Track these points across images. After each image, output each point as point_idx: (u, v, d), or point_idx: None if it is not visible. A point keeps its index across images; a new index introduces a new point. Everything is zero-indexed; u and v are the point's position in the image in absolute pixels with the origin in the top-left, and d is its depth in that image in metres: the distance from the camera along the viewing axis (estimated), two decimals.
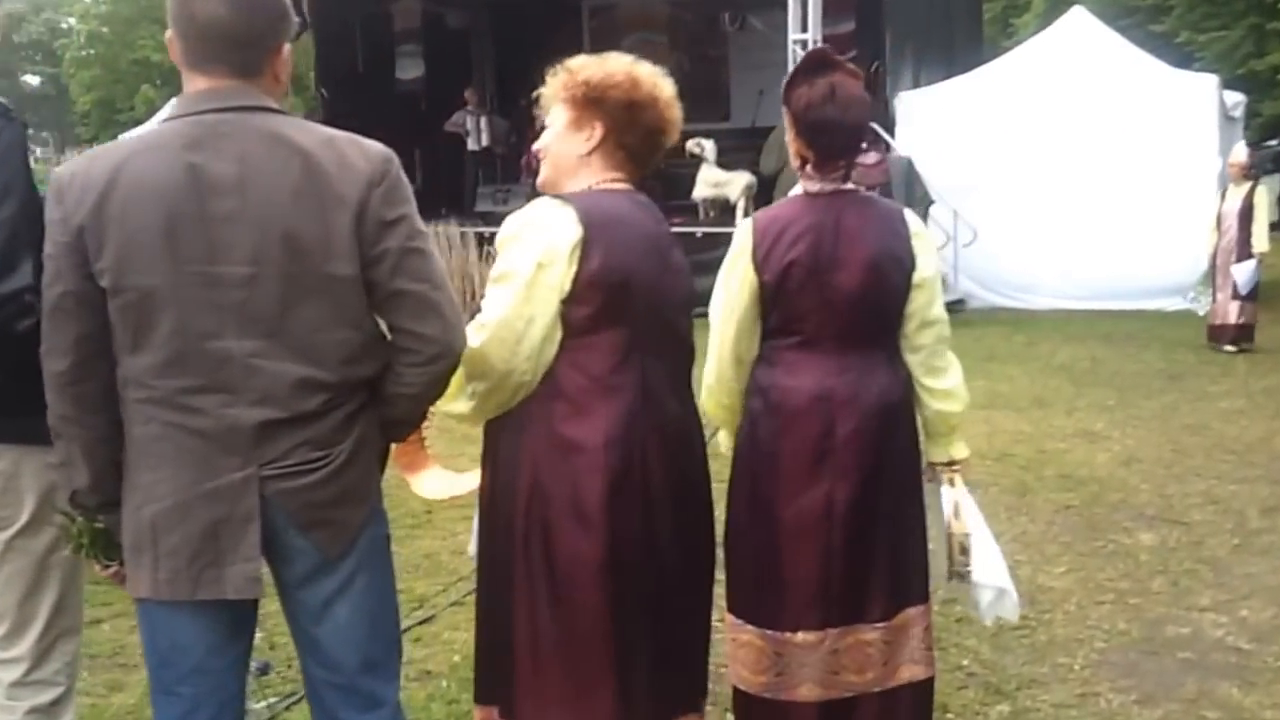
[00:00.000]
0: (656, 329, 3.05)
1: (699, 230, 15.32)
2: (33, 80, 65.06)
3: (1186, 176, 14.70)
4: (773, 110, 14.51)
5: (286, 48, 2.61)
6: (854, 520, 3.30)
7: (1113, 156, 15.03)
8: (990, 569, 3.55)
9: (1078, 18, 16.92)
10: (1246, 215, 11.95)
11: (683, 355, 3.19)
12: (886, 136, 16.07)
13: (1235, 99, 17.49)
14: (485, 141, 19.13)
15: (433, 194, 19.06)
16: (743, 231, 3.38)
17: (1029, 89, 15.80)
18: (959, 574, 3.54)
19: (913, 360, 3.43)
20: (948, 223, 15.59)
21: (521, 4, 19.52)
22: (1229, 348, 11.87)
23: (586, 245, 2.92)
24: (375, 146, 2.58)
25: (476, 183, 19.00)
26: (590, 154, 3.11)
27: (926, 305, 3.39)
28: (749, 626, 3.38)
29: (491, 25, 21.55)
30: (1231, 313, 12.04)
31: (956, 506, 3.55)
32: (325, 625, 2.64)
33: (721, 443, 3.57)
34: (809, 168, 3.34)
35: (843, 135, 3.30)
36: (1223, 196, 12.34)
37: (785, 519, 3.32)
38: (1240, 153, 12.36)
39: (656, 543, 3.04)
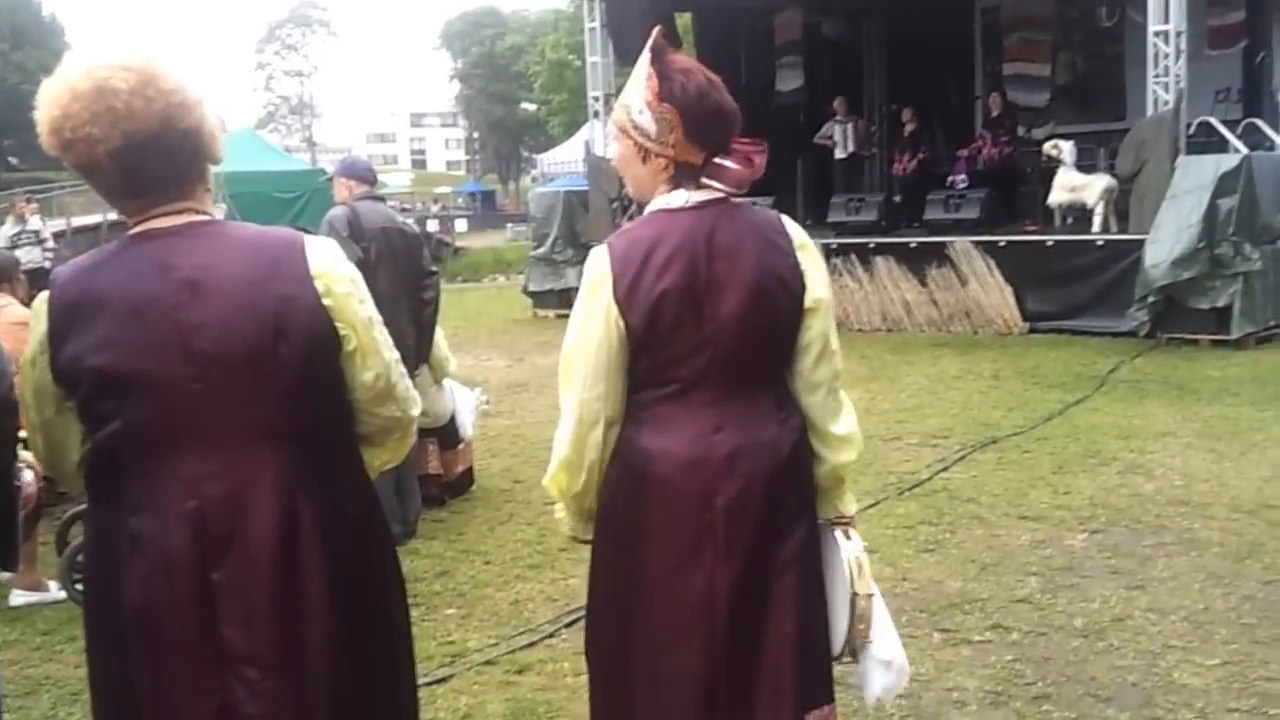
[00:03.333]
0: None
1: (1050, 239, 14.31)
2: (530, 107, 70.86)
3: None
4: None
5: None
6: (743, 608, 2.70)
7: None
8: (888, 638, 2.94)
9: None
10: None
11: None
12: (1271, 133, 14.40)
13: None
14: (851, 149, 18.62)
15: (805, 206, 18.87)
16: (597, 262, 2.76)
17: None
18: (854, 649, 2.91)
19: (810, 402, 2.81)
20: None
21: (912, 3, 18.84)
22: None
23: None
24: None
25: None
26: None
27: (824, 333, 2.79)
28: None
29: (881, 31, 20.95)
30: None
31: (859, 564, 2.89)
32: None
33: (564, 525, 2.97)
34: (697, 173, 2.77)
35: (732, 122, 2.77)
36: None
37: (658, 612, 2.73)
38: None
39: None
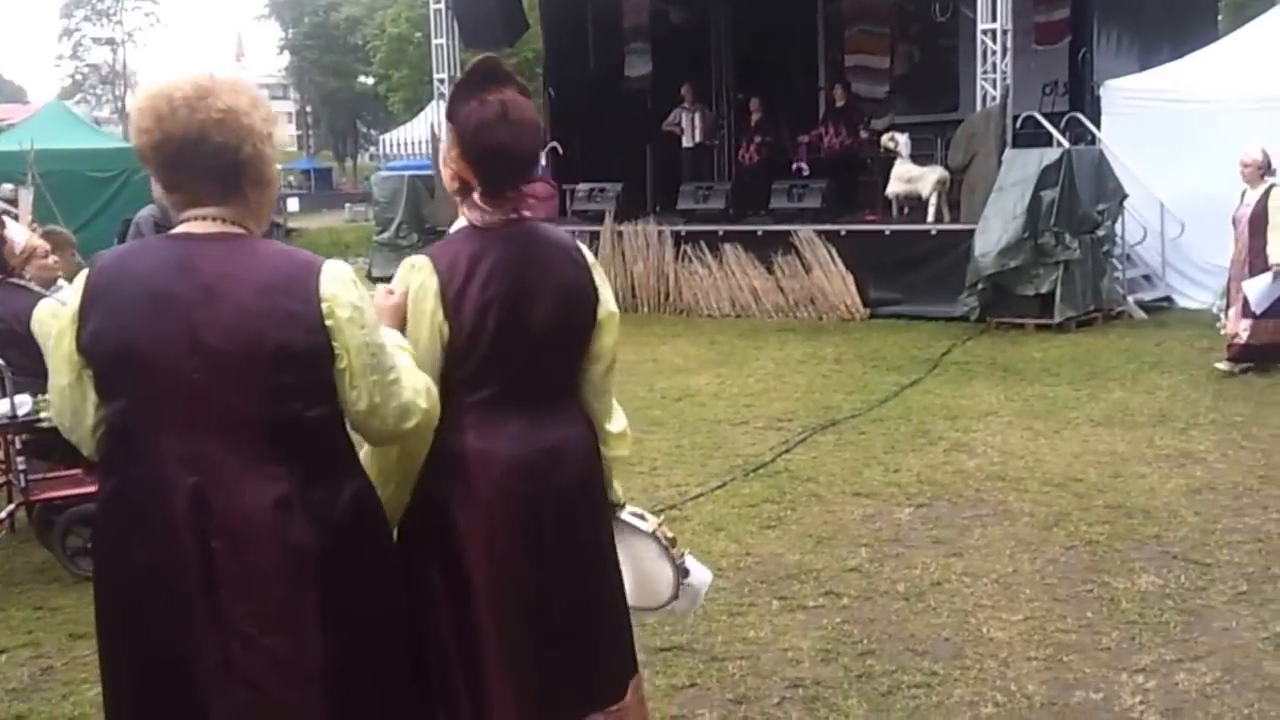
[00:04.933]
0: None
1: (888, 228, 15.03)
2: (367, 81, 69.07)
3: None
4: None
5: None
6: (571, 596, 3.01)
7: None
8: (700, 568, 3.42)
9: None
10: (1260, 222, 10.34)
11: None
12: (1092, 128, 15.32)
13: None
14: (698, 137, 19.10)
15: (652, 192, 19.38)
16: (420, 271, 2.95)
17: (1248, 73, 14.68)
18: (683, 571, 3.37)
19: (596, 405, 3.16)
20: (1151, 217, 14.72)
21: None
22: (1224, 365, 10.61)
23: None
24: None
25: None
26: None
27: (613, 344, 3.14)
28: None
29: (727, 18, 21.47)
30: (1243, 331, 10.47)
31: (665, 534, 3.36)
32: None
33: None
34: (475, 196, 2.99)
35: (514, 164, 2.96)
36: (1242, 198, 10.73)
37: (487, 609, 2.92)
38: (1254, 150, 10.60)
39: None
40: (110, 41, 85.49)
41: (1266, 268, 10.30)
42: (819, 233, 15.08)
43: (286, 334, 2.57)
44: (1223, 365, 10.58)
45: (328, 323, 2.59)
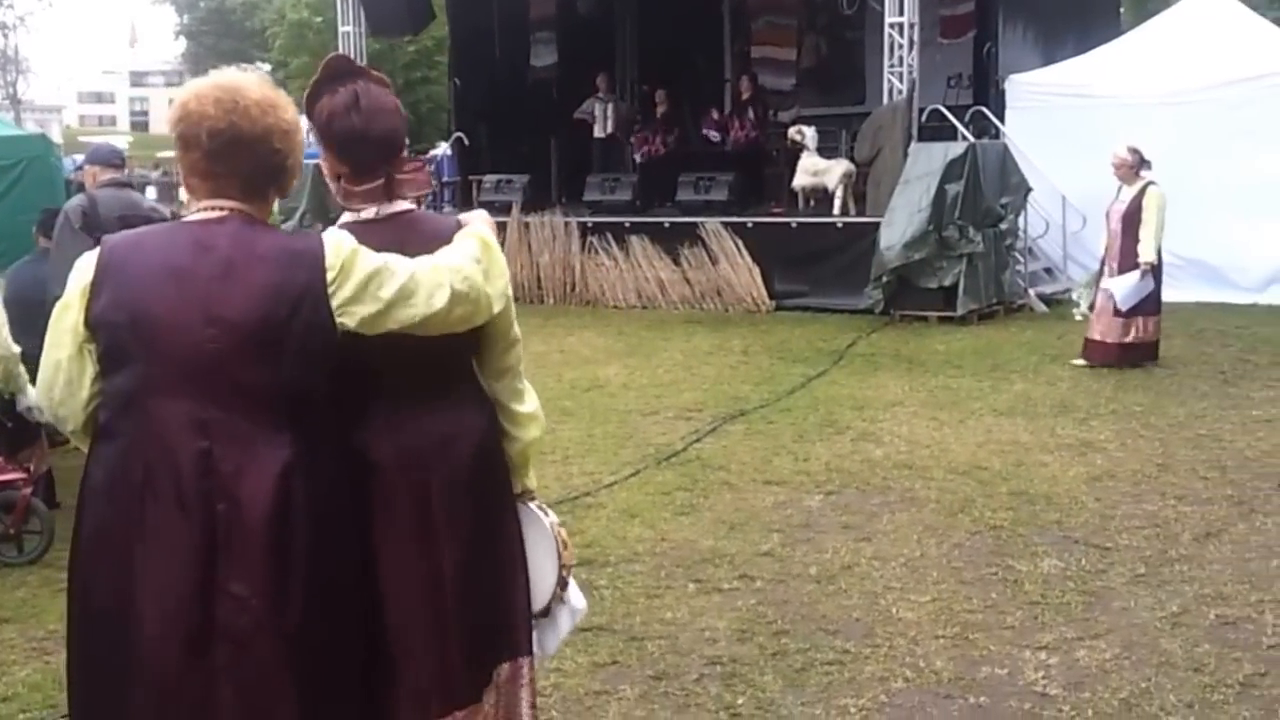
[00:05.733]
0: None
1: (794, 221, 15.22)
2: (265, 68, 67.98)
3: None
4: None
5: None
6: (468, 581, 3.06)
7: (1230, 137, 14.25)
8: (574, 589, 3.43)
9: None
10: (1133, 220, 10.48)
11: None
12: (996, 122, 15.62)
13: None
14: (610, 128, 19.15)
15: (558, 184, 19.40)
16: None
17: (1148, 69, 15.11)
18: (550, 608, 3.35)
19: (499, 386, 3.19)
20: (1054, 210, 15.05)
21: None
22: (1080, 361, 10.78)
23: None
24: None
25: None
26: None
27: (509, 326, 3.15)
28: None
29: (633, 9, 21.53)
30: (1115, 329, 10.62)
31: (563, 537, 3.35)
32: None
33: None
34: (345, 184, 3.06)
35: (370, 145, 3.01)
36: (1117, 194, 10.87)
37: (393, 596, 2.99)
38: (1122, 150, 10.73)
39: None
40: (1, 26, 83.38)
41: (1136, 266, 10.46)
42: (726, 225, 15.22)
43: (298, 307, 2.70)
44: (1079, 361, 10.74)
45: (333, 291, 2.73)
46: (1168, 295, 13.97)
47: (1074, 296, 12.16)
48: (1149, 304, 10.63)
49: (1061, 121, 14.69)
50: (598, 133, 19.19)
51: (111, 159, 7.06)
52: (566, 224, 16.27)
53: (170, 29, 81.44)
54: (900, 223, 13.58)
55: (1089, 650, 4.95)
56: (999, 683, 4.68)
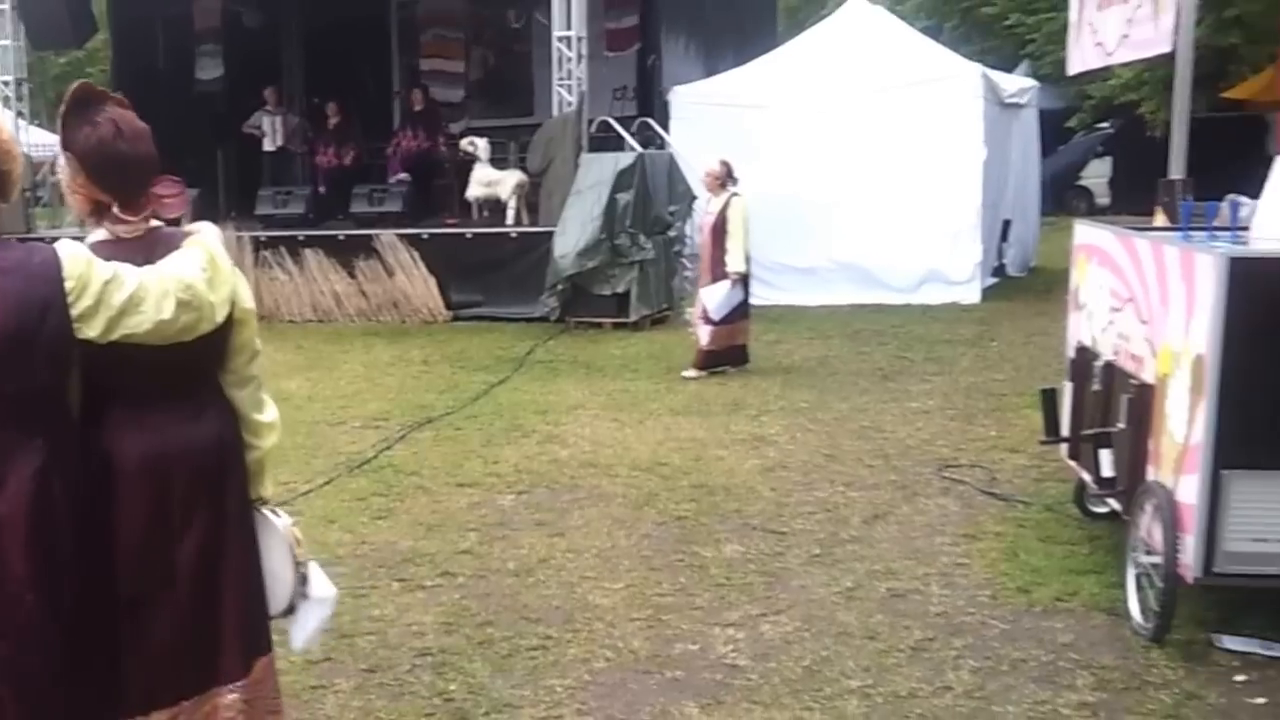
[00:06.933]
0: None
1: (469, 231, 15.37)
2: None
3: (951, 165, 15.04)
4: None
5: None
6: (202, 580, 3.16)
7: (881, 144, 15.19)
8: (319, 580, 3.54)
9: (855, 4, 17.24)
10: (720, 231, 10.86)
11: None
12: (661, 132, 16.18)
13: (1021, 85, 17.82)
14: (280, 141, 18.87)
15: (227, 197, 18.96)
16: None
17: (803, 78, 15.94)
18: (294, 605, 3.47)
19: (243, 396, 3.30)
20: None
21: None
22: (691, 372, 10.99)
23: None
24: None
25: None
26: None
27: (253, 337, 3.28)
28: None
29: (299, 22, 21.22)
30: (704, 336, 10.98)
31: (296, 537, 3.48)
32: None
33: None
34: (116, 210, 3.12)
35: (137, 170, 3.12)
36: (706, 206, 11.28)
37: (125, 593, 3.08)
38: (713, 162, 11.14)
39: None
40: None
41: (726, 275, 10.85)
42: (401, 237, 15.24)
43: (42, 317, 2.77)
44: (690, 373, 11.01)
45: (72, 301, 2.81)
46: (824, 299, 15.04)
47: (685, 316, 12.75)
48: (739, 312, 11.09)
49: (722, 131, 15.25)
50: (267, 146, 18.90)
51: None
52: (239, 238, 15.92)
53: None
54: (573, 232, 13.92)
55: (772, 625, 5.34)
56: (692, 657, 5.01)
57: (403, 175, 17.42)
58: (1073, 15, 8.47)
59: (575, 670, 4.88)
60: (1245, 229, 5.57)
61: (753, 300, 15.10)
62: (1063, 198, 26.01)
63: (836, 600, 5.62)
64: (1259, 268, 4.74)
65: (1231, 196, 6.01)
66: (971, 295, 15.37)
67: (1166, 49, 6.61)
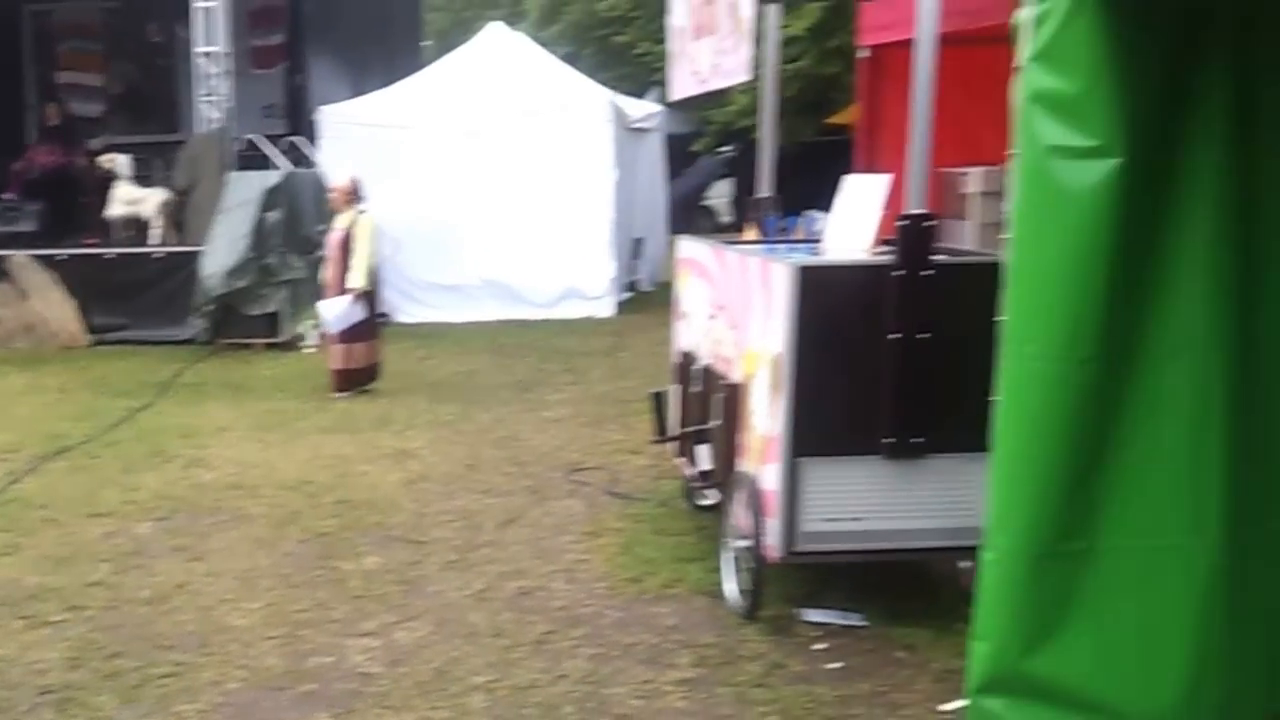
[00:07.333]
0: None
1: (112, 252, 14.90)
2: None
3: (585, 186, 15.58)
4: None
5: None
6: None
7: (521, 166, 15.60)
8: None
9: (497, 29, 17.57)
10: (345, 247, 10.93)
11: None
12: (308, 151, 16.11)
13: (647, 110, 18.54)
14: None
15: None
16: None
17: (445, 101, 16.18)
18: None
19: None
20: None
21: None
22: (338, 395, 10.95)
23: None
24: None
25: None
26: None
27: None
28: None
29: None
30: (337, 356, 11.07)
31: None
32: None
33: None
34: None
35: None
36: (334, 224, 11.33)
37: None
38: (342, 178, 11.31)
39: None
40: None
41: (348, 292, 10.89)
42: (35, 257, 14.61)
43: None
44: (337, 395, 10.96)
45: None
46: (471, 315, 15.37)
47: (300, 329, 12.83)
48: (364, 329, 11.12)
49: (370, 150, 15.26)
50: None
51: None
52: None
53: None
54: (222, 251, 13.69)
55: (407, 631, 5.54)
56: (327, 669, 5.16)
57: (11, 196, 16.46)
58: (673, 46, 8.97)
59: (207, 693, 4.94)
60: (819, 241, 6.20)
61: (403, 318, 15.44)
62: (691, 217, 27.00)
63: (468, 603, 5.87)
64: (825, 275, 5.34)
65: (808, 211, 6.62)
66: (606, 309, 15.92)
67: (747, 77, 7.12)
